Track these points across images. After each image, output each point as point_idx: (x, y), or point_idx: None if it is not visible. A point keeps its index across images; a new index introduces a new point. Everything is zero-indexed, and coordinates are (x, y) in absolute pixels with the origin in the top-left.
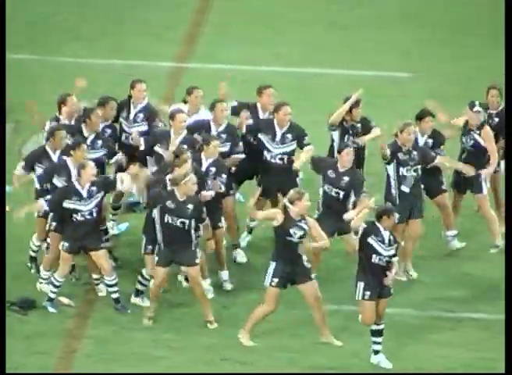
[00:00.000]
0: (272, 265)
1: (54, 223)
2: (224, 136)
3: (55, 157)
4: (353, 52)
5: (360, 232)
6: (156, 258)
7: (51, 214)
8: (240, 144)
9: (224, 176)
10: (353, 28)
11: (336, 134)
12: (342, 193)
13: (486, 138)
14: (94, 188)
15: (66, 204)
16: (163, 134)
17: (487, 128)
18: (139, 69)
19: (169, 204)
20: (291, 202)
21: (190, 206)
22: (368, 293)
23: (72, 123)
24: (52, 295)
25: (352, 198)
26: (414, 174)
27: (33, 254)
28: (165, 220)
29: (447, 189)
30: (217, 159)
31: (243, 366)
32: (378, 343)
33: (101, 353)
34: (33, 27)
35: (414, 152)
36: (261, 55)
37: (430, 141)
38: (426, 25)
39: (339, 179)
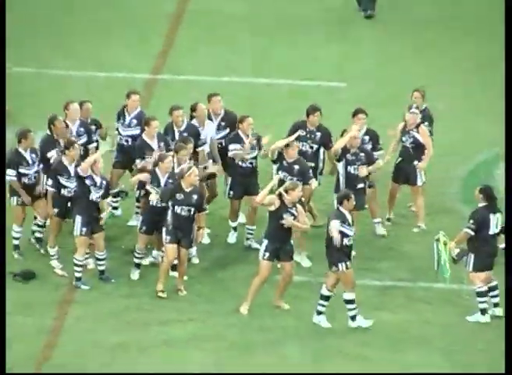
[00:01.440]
0: (265, 242)
1: (56, 210)
2: (185, 134)
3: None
4: (295, 65)
5: (335, 223)
6: (168, 238)
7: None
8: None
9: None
10: (296, 46)
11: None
12: (295, 179)
13: (423, 134)
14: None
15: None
16: (142, 145)
17: (423, 126)
18: (117, 80)
19: (178, 196)
20: (286, 191)
21: (195, 196)
22: (348, 264)
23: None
24: (79, 275)
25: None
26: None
27: (15, 237)
28: (175, 210)
29: (374, 184)
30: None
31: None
32: (324, 306)
33: (87, 315)
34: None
35: (361, 154)
36: (219, 67)
37: (367, 137)
38: (354, 40)
39: (291, 168)
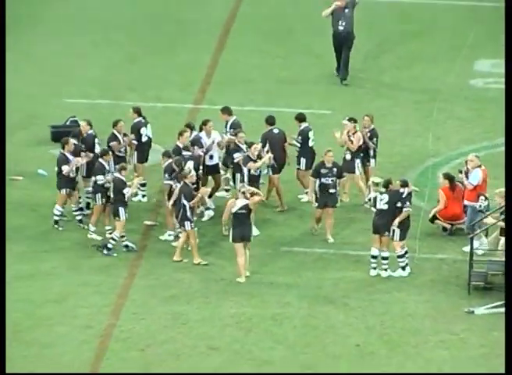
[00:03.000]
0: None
1: (100, 202)
2: (189, 143)
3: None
4: (295, 98)
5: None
6: (193, 225)
7: (99, 194)
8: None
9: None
10: (296, 85)
11: None
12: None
13: (355, 138)
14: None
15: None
16: (176, 150)
17: (358, 133)
18: (170, 109)
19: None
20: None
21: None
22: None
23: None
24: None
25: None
26: (331, 182)
27: (56, 217)
28: (191, 205)
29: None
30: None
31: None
32: (375, 262)
33: (149, 275)
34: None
35: (334, 169)
36: (242, 99)
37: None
38: (337, 83)
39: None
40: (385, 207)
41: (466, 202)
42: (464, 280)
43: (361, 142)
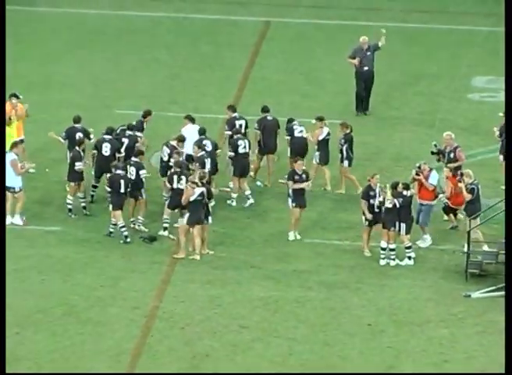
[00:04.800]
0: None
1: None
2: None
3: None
4: (314, 109)
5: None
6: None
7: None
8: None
9: None
10: (314, 97)
11: None
12: None
13: (316, 133)
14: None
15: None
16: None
17: (323, 128)
18: (207, 118)
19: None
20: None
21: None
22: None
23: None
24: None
25: None
26: (378, 203)
27: (69, 206)
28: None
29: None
30: None
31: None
32: (384, 253)
33: (189, 263)
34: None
35: (377, 190)
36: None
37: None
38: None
39: None
40: (391, 206)
41: (423, 201)
42: (462, 268)
43: (321, 138)
